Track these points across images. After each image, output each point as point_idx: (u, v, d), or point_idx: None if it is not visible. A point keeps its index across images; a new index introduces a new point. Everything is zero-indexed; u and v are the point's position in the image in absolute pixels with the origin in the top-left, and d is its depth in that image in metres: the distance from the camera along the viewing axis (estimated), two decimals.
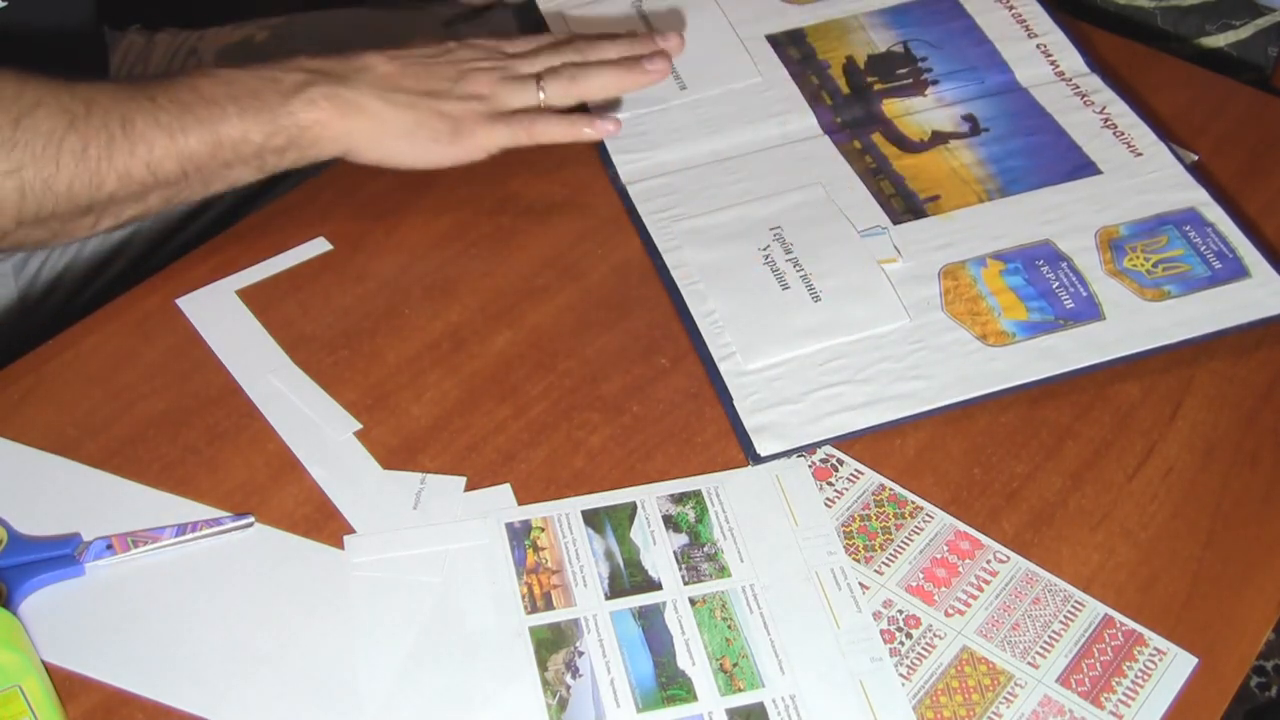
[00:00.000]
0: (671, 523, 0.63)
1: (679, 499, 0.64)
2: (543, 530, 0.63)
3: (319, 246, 0.77)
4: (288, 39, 1.01)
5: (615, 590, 0.61)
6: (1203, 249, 0.73)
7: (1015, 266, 0.73)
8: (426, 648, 0.59)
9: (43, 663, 0.57)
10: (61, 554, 0.61)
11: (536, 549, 0.62)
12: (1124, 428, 0.68)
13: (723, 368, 0.69)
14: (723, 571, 0.62)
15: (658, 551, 0.62)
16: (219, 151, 0.70)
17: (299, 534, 0.63)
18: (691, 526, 0.63)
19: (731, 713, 0.57)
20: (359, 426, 0.67)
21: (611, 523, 0.63)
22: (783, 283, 0.73)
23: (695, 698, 0.57)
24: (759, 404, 0.67)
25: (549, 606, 0.60)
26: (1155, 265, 0.73)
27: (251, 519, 0.63)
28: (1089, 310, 0.71)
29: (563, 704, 0.57)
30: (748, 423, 0.67)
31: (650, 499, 0.64)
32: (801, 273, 0.73)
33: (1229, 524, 0.64)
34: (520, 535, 0.63)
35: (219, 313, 0.73)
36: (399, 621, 0.60)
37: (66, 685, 0.58)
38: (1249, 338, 0.70)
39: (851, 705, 0.57)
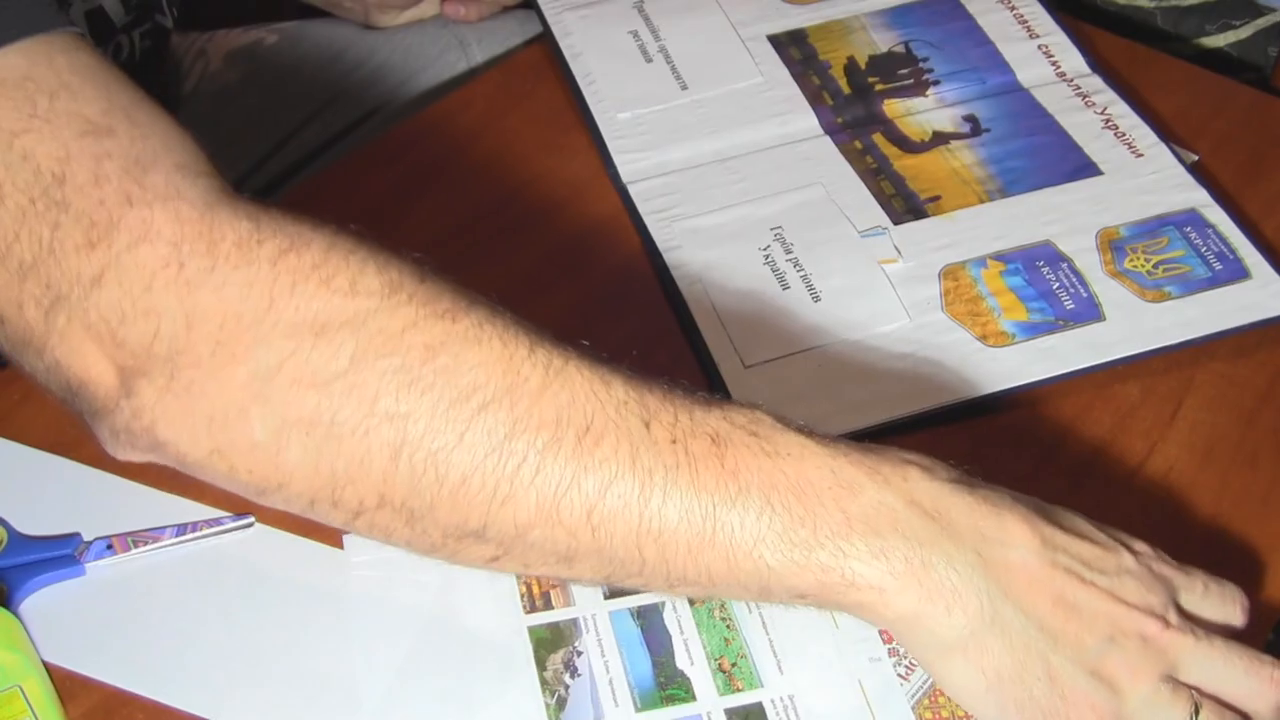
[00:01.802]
0: None
1: None
2: None
3: None
4: (298, 43, 1.01)
5: (614, 590, 0.61)
6: (1203, 250, 0.73)
7: (1016, 267, 0.73)
8: (425, 647, 0.59)
9: (43, 663, 0.57)
10: (61, 554, 0.61)
11: None
12: (1124, 428, 0.68)
13: (722, 368, 0.69)
14: None
15: None
16: (737, 573, 0.50)
17: (299, 534, 0.63)
18: None
19: (730, 713, 0.57)
20: None
21: None
22: (783, 283, 0.73)
23: (694, 697, 0.57)
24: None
25: (548, 606, 0.60)
26: (1156, 266, 0.73)
27: (251, 519, 0.63)
28: (1089, 311, 0.71)
29: (561, 703, 0.57)
30: None
31: None
32: (802, 273, 0.73)
33: (1229, 524, 0.64)
34: None
35: None
36: (398, 621, 0.60)
37: (66, 685, 0.58)
38: (1249, 338, 0.70)
39: (850, 705, 0.57)
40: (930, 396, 0.67)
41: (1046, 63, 0.85)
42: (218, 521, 0.63)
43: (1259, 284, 0.72)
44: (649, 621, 0.60)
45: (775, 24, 0.89)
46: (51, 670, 0.58)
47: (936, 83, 0.84)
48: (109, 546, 0.62)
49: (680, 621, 0.60)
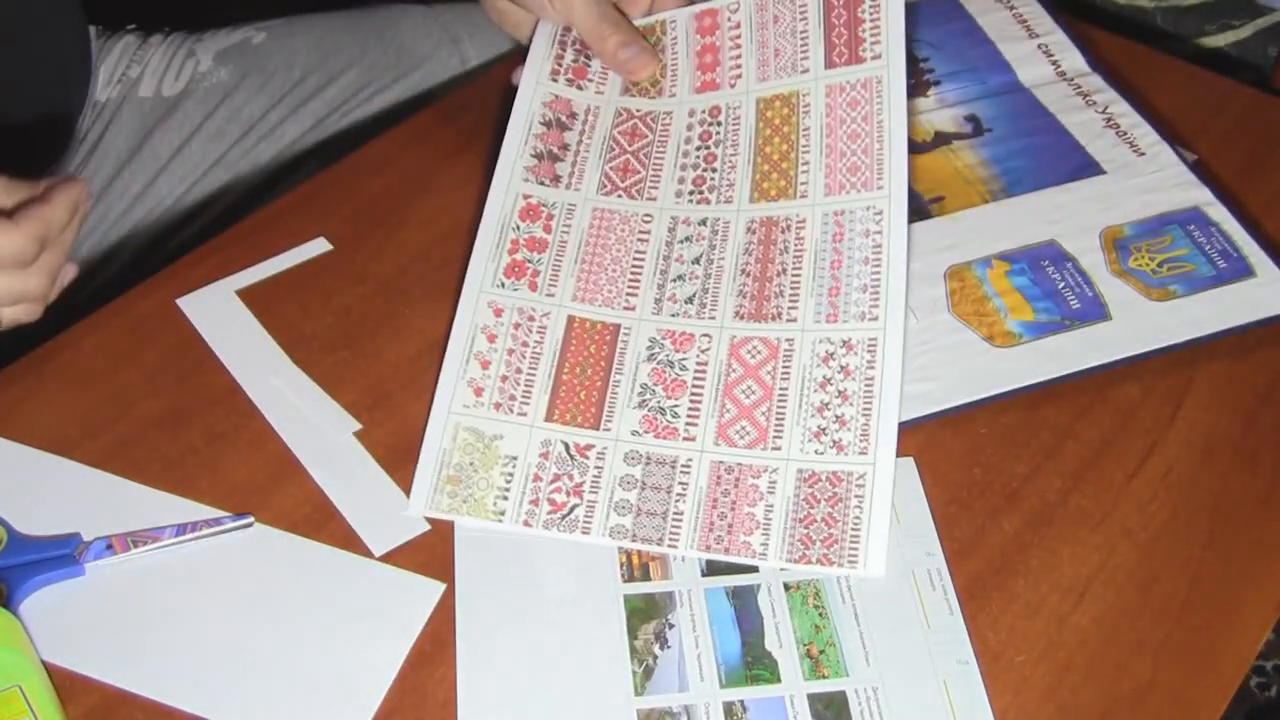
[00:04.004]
0: None
1: None
2: None
3: (319, 246, 0.76)
4: (285, 40, 1.01)
5: (712, 568, 0.62)
6: (1207, 248, 0.73)
7: (1021, 267, 0.73)
8: (524, 605, 0.60)
9: (43, 663, 0.57)
10: (61, 554, 0.61)
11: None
12: (1124, 428, 0.68)
13: None
14: None
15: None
16: None
17: (299, 534, 0.63)
18: None
19: (813, 698, 0.57)
20: (359, 426, 0.67)
21: None
22: None
23: (779, 679, 0.58)
24: None
25: (645, 577, 0.61)
26: (1160, 265, 0.73)
27: (251, 519, 0.63)
28: (1095, 310, 0.71)
29: (648, 672, 0.58)
30: None
31: None
32: None
33: (1229, 524, 0.64)
34: None
35: (219, 313, 0.73)
36: (498, 579, 0.61)
37: (66, 685, 0.57)
38: (1249, 338, 0.70)
39: (934, 704, 0.57)
40: (938, 398, 0.67)
41: (1047, 62, 0.85)
42: (217, 521, 0.63)
43: (1264, 281, 0.72)
44: (743, 602, 0.61)
45: None
46: (51, 670, 0.57)
47: (937, 83, 0.84)
48: (109, 546, 0.62)
49: (774, 604, 0.60)
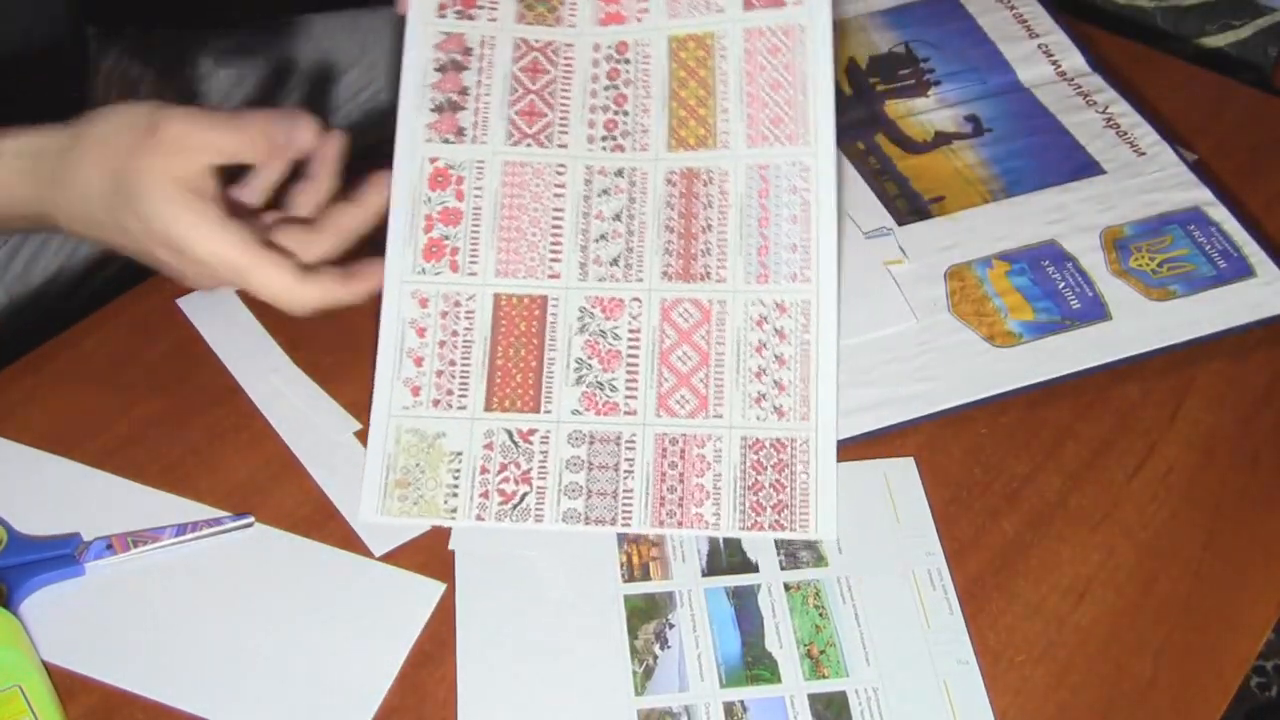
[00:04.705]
0: None
1: None
2: None
3: None
4: (288, 41, 1.01)
5: (713, 568, 0.62)
6: (1208, 248, 0.73)
7: (1021, 267, 0.73)
8: (524, 606, 0.60)
9: (43, 663, 0.57)
10: (61, 554, 0.61)
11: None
12: (1124, 428, 0.68)
13: None
14: (820, 561, 0.62)
15: (759, 535, 0.63)
16: None
17: (299, 534, 0.63)
18: None
19: (813, 698, 0.57)
20: (359, 426, 0.67)
21: None
22: None
23: (779, 679, 0.58)
24: None
25: (645, 577, 0.61)
26: (1160, 265, 0.73)
27: (251, 519, 0.63)
28: (1095, 310, 0.71)
29: (649, 672, 0.58)
30: None
31: None
32: None
33: (1229, 524, 0.64)
34: None
35: (219, 313, 0.73)
36: (502, 577, 0.61)
37: (66, 685, 0.57)
38: (1249, 338, 0.70)
39: (934, 704, 0.57)
40: (938, 398, 0.67)
41: (1047, 62, 0.85)
42: (217, 521, 0.63)
43: (1264, 281, 0.72)
44: (743, 602, 0.61)
45: None
46: (51, 670, 0.57)
47: (938, 83, 0.84)
48: (109, 546, 0.62)
49: (774, 605, 0.61)
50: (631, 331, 0.66)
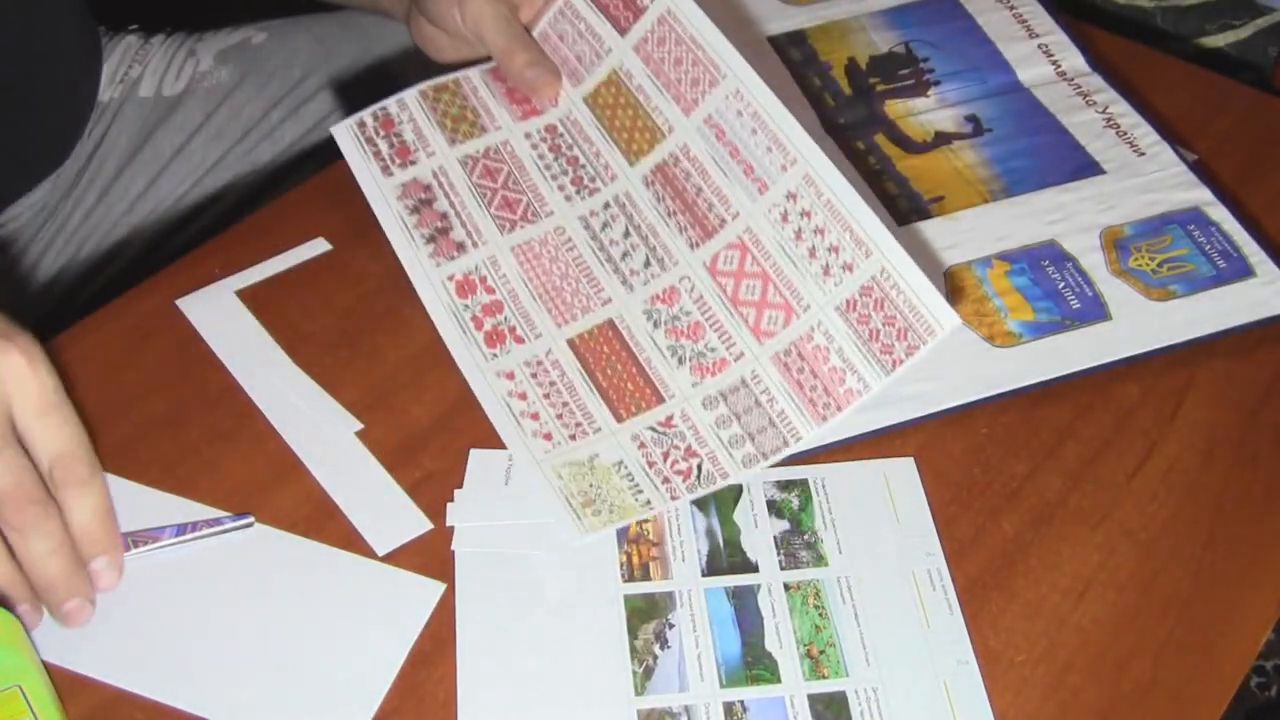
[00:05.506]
0: (775, 508, 0.64)
1: (785, 485, 0.65)
2: None
3: (319, 246, 0.76)
4: (286, 40, 1.01)
5: (712, 568, 0.62)
6: (1208, 248, 0.73)
7: (1021, 267, 0.73)
8: (524, 606, 0.60)
9: (43, 663, 0.57)
10: None
11: (641, 520, 0.63)
12: (1124, 428, 0.68)
13: None
14: (820, 560, 0.62)
15: (758, 535, 0.63)
16: None
17: (299, 534, 0.63)
18: (794, 514, 0.64)
19: (813, 698, 0.57)
20: (359, 426, 0.67)
21: (717, 502, 0.64)
22: None
23: (779, 680, 0.58)
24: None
25: (645, 577, 0.61)
26: (1161, 265, 0.73)
27: (251, 519, 0.63)
28: (1095, 310, 0.71)
29: (648, 672, 0.58)
30: None
31: (757, 483, 0.65)
32: None
33: (1229, 524, 0.64)
34: None
35: (219, 313, 0.73)
36: (499, 579, 0.61)
37: (66, 685, 0.57)
38: (1249, 337, 0.70)
39: (934, 705, 0.57)
40: (939, 398, 0.67)
41: (1047, 62, 0.85)
42: (217, 521, 0.63)
43: (1264, 281, 0.72)
44: (743, 602, 0.61)
45: (775, 25, 0.89)
46: (51, 670, 0.57)
47: (937, 83, 0.84)
48: None
49: (774, 605, 0.61)
50: (696, 301, 0.68)
